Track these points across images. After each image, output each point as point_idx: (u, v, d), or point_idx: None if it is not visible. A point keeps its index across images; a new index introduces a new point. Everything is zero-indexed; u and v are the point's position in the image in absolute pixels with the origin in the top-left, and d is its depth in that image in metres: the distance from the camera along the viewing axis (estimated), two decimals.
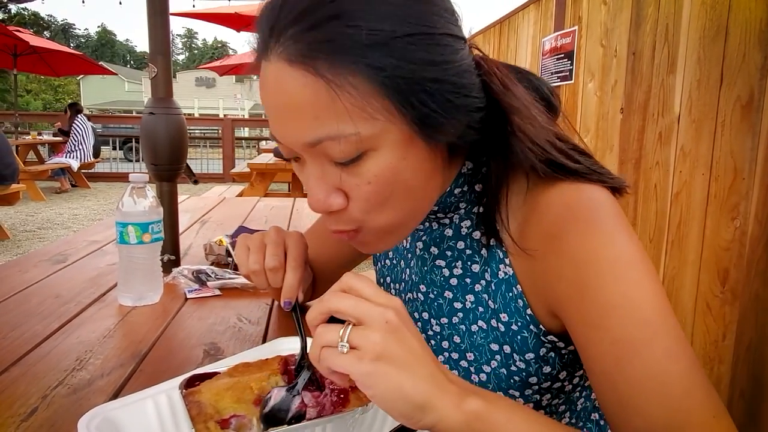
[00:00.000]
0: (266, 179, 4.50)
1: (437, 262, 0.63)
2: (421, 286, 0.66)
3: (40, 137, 8.64)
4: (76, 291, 1.01)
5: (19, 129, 8.47)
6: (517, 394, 0.60)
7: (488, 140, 0.55)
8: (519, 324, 0.57)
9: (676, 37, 1.99)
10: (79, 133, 7.70)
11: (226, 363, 0.63)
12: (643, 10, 2.20)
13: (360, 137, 0.46)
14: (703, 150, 1.85)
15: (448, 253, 0.63)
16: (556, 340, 0.57)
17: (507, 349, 0.59)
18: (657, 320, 0.47)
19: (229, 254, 1.17)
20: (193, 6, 9.96)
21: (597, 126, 2.57)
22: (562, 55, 2.89)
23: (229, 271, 1.09)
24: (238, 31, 5.76)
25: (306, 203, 2.27)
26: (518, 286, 0.57)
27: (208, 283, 1.03)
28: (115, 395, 0.62)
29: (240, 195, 4.89)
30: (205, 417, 0.48)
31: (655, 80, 2.12)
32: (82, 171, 8.27)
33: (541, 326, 0.56)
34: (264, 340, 0.80)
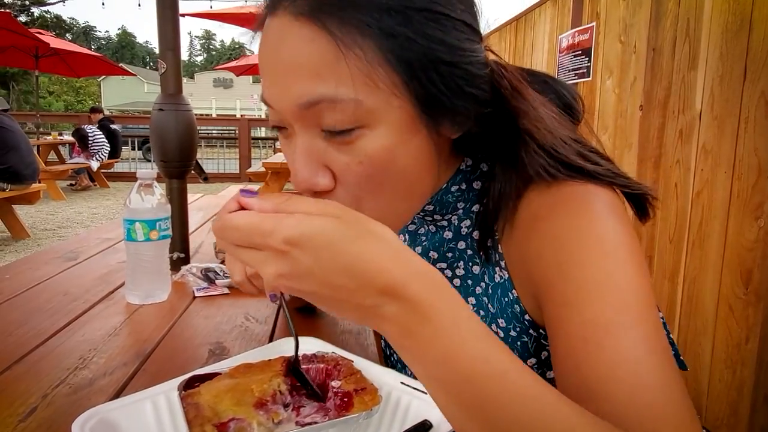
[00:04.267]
0: (281, 178, 4.51)
1: (438, 265, 0.61)
2: None
3: (61, 137, 8.78)
4: (85, 288, 1.01)
5: (40, 129, 8.61)
6: None
7: (490, 138, 0.53)
8: (517, 330, 0.55)
9: (697, 32, 1.94)
10: (99, 135, 7.82)
11: (229, 363, 0.61)
12: (663, 5, 2.15)
13: (360, 105, 0.43)
14: (726, 148, 1.79)
15: (449, 255, 0.60)
16: None
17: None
18: (638, 309, 0.43)
19: None
20: (210, 7, 10.05)
21: (615, 124, 2.52)
22: (580, 52, 2.84)
23: None
24: (255, 31, 5.76)
25: None
26: (513, 291, 0.54)
27: (217, 282, 1.02)
28: (116, 395, 0.61)
29: None
30: (202, 420, 0.46)
31: (675, 76, 2.06)
32: (102, 170, 8.39)
33: (540, 330, 0.53)
34: (270, 340, 0.79)
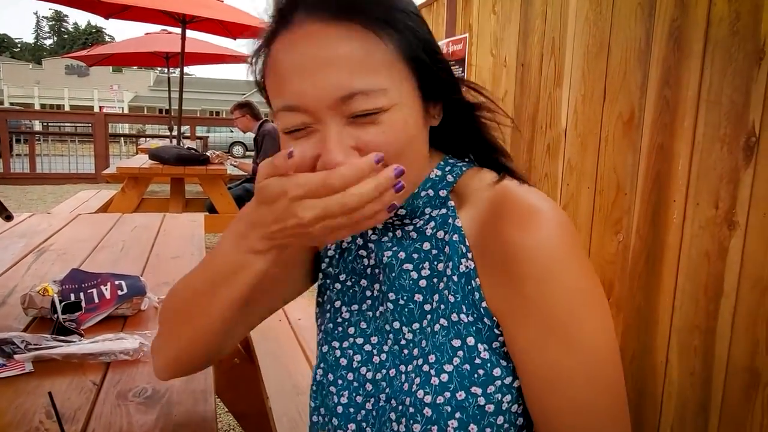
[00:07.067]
0: (140, 185, 4.05)
1: (405, 266, 0.65)
2: (390, 294, 0.65)
3: None
4: None
5: None
6: (479, 391, 0.58)
7: (453, 141, 0.65)
8: (474, 316, 0.59)
9: (562, 51, 2.00)
10: None
11: None
12: (531, 22, 2.20)
13: (386, 93, 0.53)
14: (589, 164, 1.87)
15: (415, 256, 0.64)
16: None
17: (470, 341, 0.59)
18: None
19: (54, 309, 0.92)
20: None
21: None
22: (454, 62, 2.85)
23: (47, 336, 0.84)
24: (107, 18, 5.16)
25: (176, 220, 1.98)
26: (477, 280, 0.59)
27: (17, 356, 0.79)
28: None
29: (109, 202, 4.39)
30: None
31: (543, 92, 2.12)
32: None
33: (494, 317, 0.58)
34: None
